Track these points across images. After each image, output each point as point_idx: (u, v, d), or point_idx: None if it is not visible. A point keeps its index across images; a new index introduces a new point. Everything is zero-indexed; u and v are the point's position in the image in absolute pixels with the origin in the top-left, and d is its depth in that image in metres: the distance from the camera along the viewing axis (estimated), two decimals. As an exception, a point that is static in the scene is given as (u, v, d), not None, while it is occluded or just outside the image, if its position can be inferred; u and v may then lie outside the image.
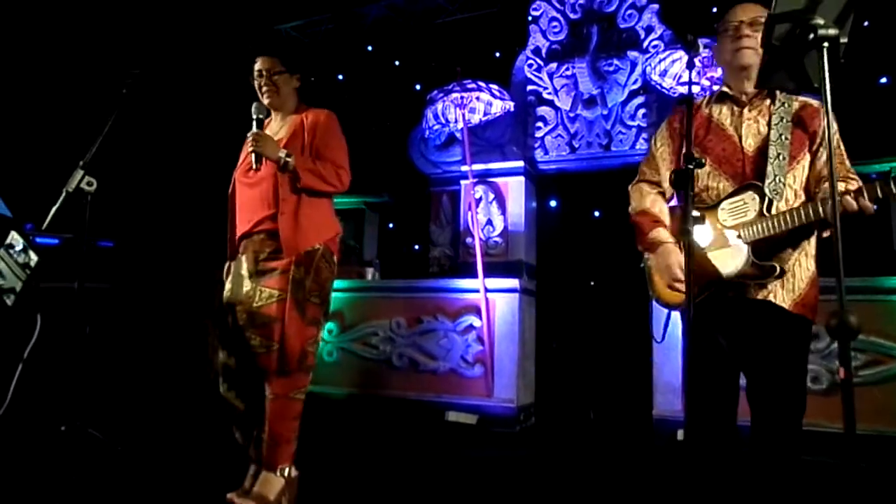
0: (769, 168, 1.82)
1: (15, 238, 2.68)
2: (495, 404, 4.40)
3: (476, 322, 4.54)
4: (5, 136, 4.86)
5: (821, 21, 1.37)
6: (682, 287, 1.81)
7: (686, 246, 1.47)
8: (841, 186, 1.80)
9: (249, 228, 2.40)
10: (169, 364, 4.91)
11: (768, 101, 1.94)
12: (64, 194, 2.17)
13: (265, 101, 2.47)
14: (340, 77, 6.61)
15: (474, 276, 4.57)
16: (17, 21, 5.15)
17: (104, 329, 4.04)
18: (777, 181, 1.81)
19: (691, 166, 1.50)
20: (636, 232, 2.08)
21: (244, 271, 2.38)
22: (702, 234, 1.88)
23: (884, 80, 4.48)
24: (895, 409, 3.42)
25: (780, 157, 1.83)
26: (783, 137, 1.86)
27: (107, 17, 5.48)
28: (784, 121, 1.88)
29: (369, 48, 6.42)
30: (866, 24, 4.41)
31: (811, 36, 1.38)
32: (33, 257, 2.64)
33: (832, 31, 1.36)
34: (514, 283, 4.54)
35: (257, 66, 2.48)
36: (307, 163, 2.35)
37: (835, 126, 1.89)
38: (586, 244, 5.37)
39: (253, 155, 2.29)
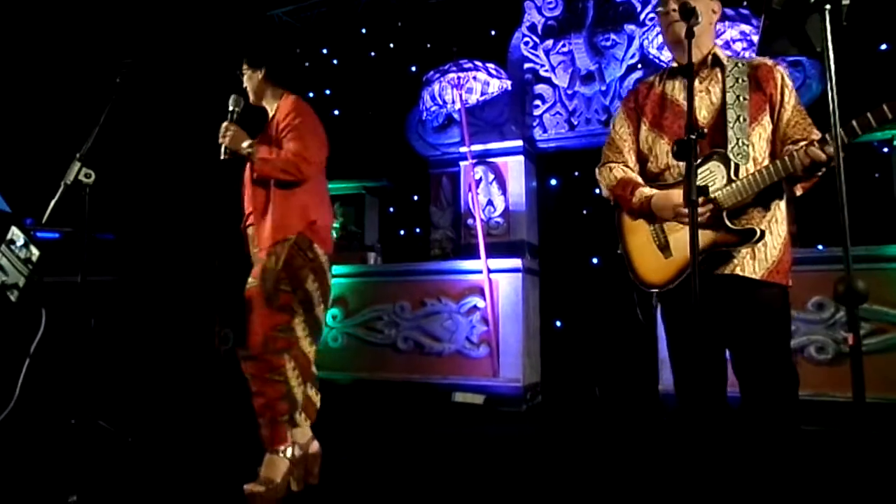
0: (730, 133, 1.80)
1: (16, 233, 2.67)
2: (501, 384, 4.42)
3: (480, 303, 4.54)
4: (1, 130, 4.83)
5: (822, -17, 1.35)
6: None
7: (691, 218, 1.45)
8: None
9: (243, 223, 2.59)
10: (174, 354, 4.92)
11: (717, 69, 1.93)
12: (62, 187, 2.16)
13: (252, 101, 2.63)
14: (335, 61, 6.55)
15: (476, 257, 4.57)
16: (12, 13, 5.10)
17: (109, 321, 4.05)
18: (740, 144, 1.79)
19: (693, 136, 1.48)
20: (621, 203, 2.02)
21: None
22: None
23: (884, 46, 4.43)
24: (901, 376, 3.42)
25: (741, 119, 1.81)
26: (741, 98, 1.83)
27: (100, 7, 5.42)
28: (740, 81, 1.86)
29: (363, 31, 6.35)
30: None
31: (812, -1, 1.35)
32: (35, 252, 2.63)
33: (834, -6, 1.34)
34: (516, 262, 4.53)
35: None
36: (263, 152, 2.41)
37: (790, 84, 1.88)
38: (588, 221, 5.36)
39: (222, 146, 2.40)
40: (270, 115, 2.60)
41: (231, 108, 2.47)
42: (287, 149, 2.41)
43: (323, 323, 2.58)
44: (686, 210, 1.68)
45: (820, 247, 4.06)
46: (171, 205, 5.46)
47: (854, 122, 1.55)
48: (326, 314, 2.72)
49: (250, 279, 2.44)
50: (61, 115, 4.79)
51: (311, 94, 6.40)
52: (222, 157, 2.40)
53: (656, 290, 1.96)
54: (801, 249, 3.84)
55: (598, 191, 2.20)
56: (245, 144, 2.39)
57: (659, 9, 1.95)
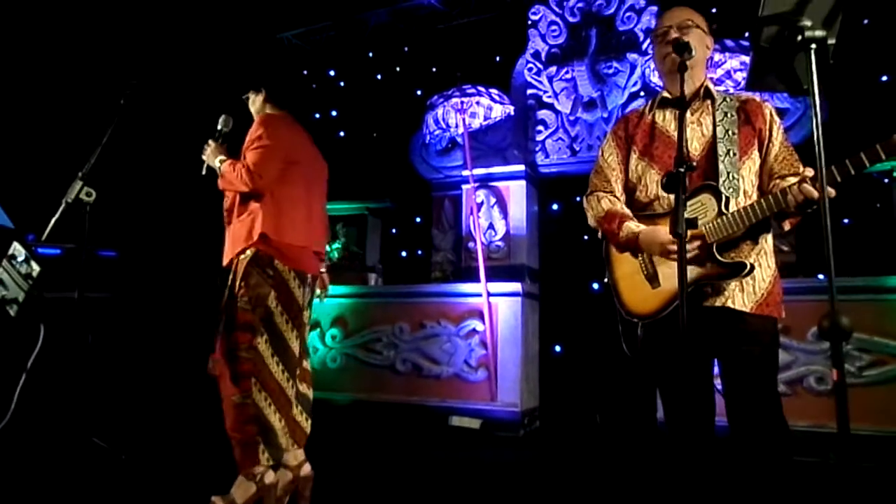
0: (721, 166, 1.81)
1: (17, 249, 2.70)
2: (499, 408, 4.40)
3: (479, 326, 4.54)
4: (6, 147, 4.90)
5: (808, 23, 1.38)
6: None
7: (679, 251, 1.46)
8: (794, 181, 1.79)
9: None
10: (171, 372, 4.93)
11: (708, 102, 1.95)
12: (63, 205, 2.19)
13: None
14: (342, 84, 6.64)
15: (477, 280, 4.57)
16: (17, 32, 5.20)
17: (106, 338, 4.07)
18: (731, 178, 1.80)
19: (682, 169, 1.50)
20: (608, 236, 2.03)
21: None
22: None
23: (885, 77, 4.46)
24: (901, 409, 3.39)
25: (731, 154, 1.82)
26: (730, 133, 1.85)
27: (106, 27, 5.52)
28: (729, 116, 1.88)
29: (370, 54, 6.45)
30: (866, 21, 4.40)
31: (799, 38, 1.38)
32: (35, 268, 2.66)
33: (819, 33, 1.37)
34: (516, 286, 4.54)
35: None
36: (226, 167, 2.48)
37: (778, 120, 1.90)
38: (588, 247, 5.36)
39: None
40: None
41: (219, 128, 2.59)
42: (241, 163, 2.45)
43: (296, 344, 2.48)
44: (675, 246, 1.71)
45: (821, 276, 4.05)
46: (174, 223, 5.51)
47: (848, 162, 1.57)
48: (307, 334, 2.66)
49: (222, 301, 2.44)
50: (65, 134, 4.86)
51: (317, 115, 6.48)
52: (203, 173, 2.51)
53: (643, 321, 1.95)
54: (801, 279, 3.83)
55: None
56: (217, 161, 2.48)
57: (659, 32, 1.97)
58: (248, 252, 2.39)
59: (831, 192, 1.59)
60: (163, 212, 5.52)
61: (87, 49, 5.40)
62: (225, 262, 2.42)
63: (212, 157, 2.50)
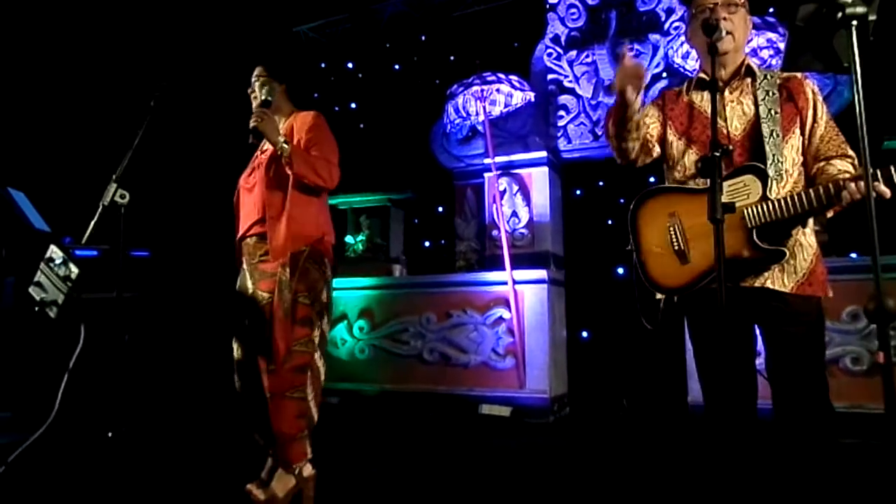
0: (767, 148, 1.77)
1: (55, 252, 2.75)
2: (528, 395, 4.41)
3: (505, 314, 4.54)
4: (41, 153, 5.00)
5: (848, -1, 1.34)
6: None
7: (716, 234, 1.44)
8: (841, 165, 1.77)
9: (244, 232, 2.49)
10: (205, 367, 5.01)
11: (749, 80, 1.90)
12: (100, 208, 2.23)
13: (254, 103, 2.54)
14: (360, 76, 6.64)
15: (502, 268, 4.58)
16: (50, 38, 5.28)
17: (144, 337, 4.14)
18: (777, 161, 1.76)
19: (717, 153, 1.48)
20: (613, 111, 1.94)
21: (246, 274, 2.48)
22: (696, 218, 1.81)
23: None
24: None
25: (774, 134, 1.78)
26: (773, 112, 1.81)
27: (132, 30, 5.58)
28: (770, 94, 1.83)
29: (387, 45, 6.43)
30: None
31: (839, 15, 1.35)
32: (73, 270, 2.71)
33: (860, 9, 1.33)
34: (541, 273, 4.53)
35: (252, 79, 2.59)
36: (301, 151, 2.36)
37: (821, 98, 1.86)
38: (613, 231, 5.32)
39: (252, 130, 2.30)
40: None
41: (267, 97, 2.42)
42: (319, 154, 2.39)
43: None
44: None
45: (854, 255, 3.98)
46: (205, 222, 5.58)
47: (893, 172, 1.54)
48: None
49: (262, 292, 2.37)
50: (98, 138, 4.93)
51: (336, 108, 6.49)
52: (250, 141, 2.32)
53: (669, 294, 1.92)
54: (834, 259, 3.77)
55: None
56: (282, 138, 2.32)
57: (705, 8, 1.88)
58: (306, 248, 2.39)
59: (886, 192, 1.56)
60: (193, 211, 5.59)
61: (117, 52, 5.47)
62: (279, 255, 2.34)
63: (273, 131, 2.31)
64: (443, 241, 5.95)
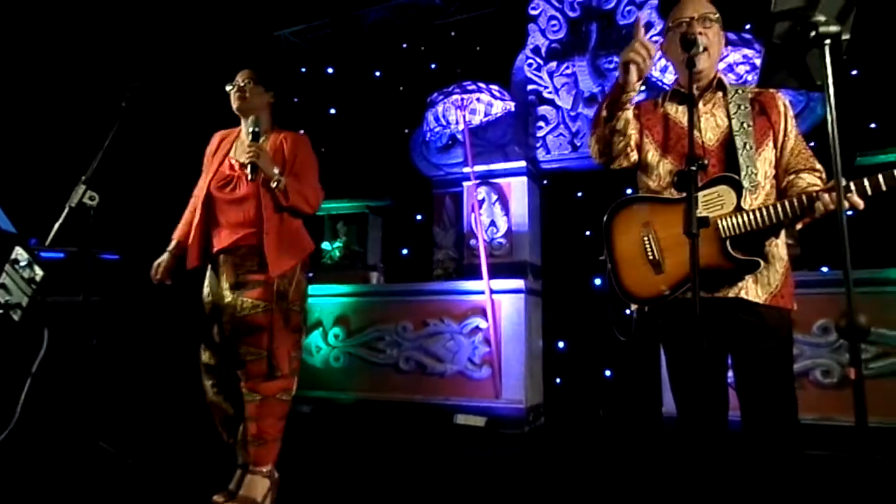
0: (741, 160, 1.80)
1: (20, 253, 2.69)
2: (504, 405, 4.39)
3: (482, 324, 4.53)
4: (7, 152, 4.87)
5: (822, 18, 1.36)
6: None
7: (692, 249, 1.44)
8: (809, 178, 1.81)
9: (231, 243, 2.47)
10: (175, 374, 4.92)
11: (720, 93, 1.93)
12: (66, 209, 2.18)
13: (234, 106, 2.56)
14: (340, 81, 6.61)
15: (479, 277, 4.57)
16: (17, 35, 5.16)
17: (110, 341, 4.05)
18: (751, 172, 1.79)
19: (693, 168, 1.48)
20: (605, 107, 1.92)
21: (224, 283, 2.49)
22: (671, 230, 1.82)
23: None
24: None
25: (748, 147, 1.81)
26: (745, 125, 1.84)
27: (105, 29, 5.49)
28: (742, 108, 1.86)
29: (368, 52, 6.42)
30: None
31: (812, 34, 1.36)
32: (38, 272, 2.64)
33: (833, 29, 1.35)
34: (519, 283, 4.53)
35: (236, 77, 2.59)
36: (293, 183, 2.46)
37: (791, 113, 1.89)
38: (591, 242, 5.35)
39: (250, 166, 2.36)
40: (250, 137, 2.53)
41: (252, 129, 2.45)
42: (307, 181, 2.53)
43: None
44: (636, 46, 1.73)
45: (825, 269, 4.05)
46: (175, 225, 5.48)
47: (866, 184, 1.58)
48: None
49: (252, 301, 2.40)
50: (67, 137, 4.83)
51: (316, 113, 6.45)
52: (250, 179, 2.37)
53: (642, 304, 1.92)
54: (806, 272, 3.83)
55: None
56: (276, 171, 2.40)
57: (681, 23, 1.89)
58: (300, 260, 2.55)
59: (860, 203, 1.59)
60: (167, 214, 5.49)
61: (88, 51, 5.37)
62: (277, 270, 2.42)
63: (270, 165, 2.39)
64: (421, 250, 5.93)
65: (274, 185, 2.38)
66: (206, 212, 2.52)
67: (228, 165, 2.55)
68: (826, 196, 1.62)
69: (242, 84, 2.55)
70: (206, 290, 2.58)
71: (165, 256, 2.61)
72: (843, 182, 1.43)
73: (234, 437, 2.56)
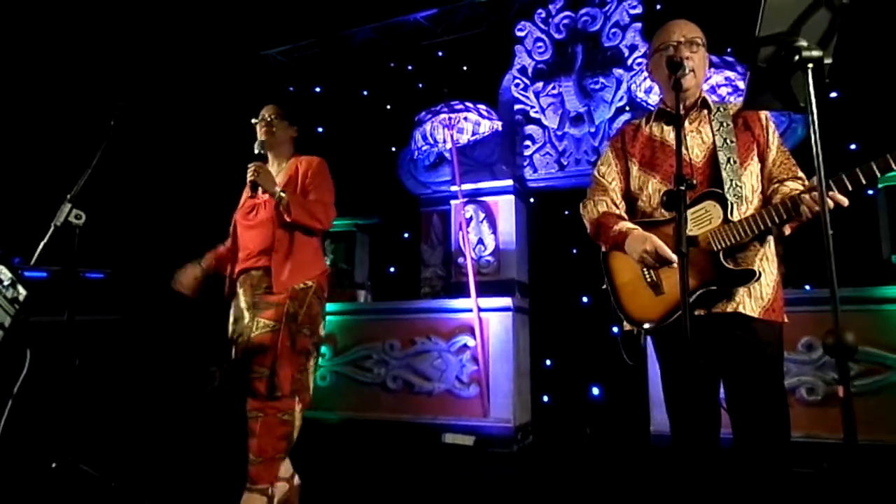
0: (724, 174, 1.84)
1: (3, 272, 2.64)
2: (492, 424, 4.37)
3: (470, 342, 4.52)
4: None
5: (804, 43, 1.40)
6: (674, 259, 1.75)
7: (681, 267, 1.46)
8: (793, 185, 1.84)
9: (248, 265, 2.59)
10: (161, 395, 4.84)
11: (705, 111, 1.99)
12: (52, 228, 2.16)
13: (261, 139, 2.68)
14: (328, 100, 6.63)
15: (467, 295, 4.56)
16: (3, 53, 5.13)
17: (95, 361, 3.99)
18: (734, 185, 1.83)
19: (682, 187, 1.51)
20: (601, 232, 2.02)
21: (243, 304, 2.57)
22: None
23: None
24: (891, 418, 3.42)
25: (731, 161, 1.85)
26: (728, 141, 1.88)
27: (93, 47, 5.47)
28: (725, 125, 1.91)
29: (356, 71, 6.45)
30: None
31: (796, 57, 1.40)
32: (22, 291, 2.60)
33: (816, 53, 1.39)
34: (507, 301, 4.53)
35: (262, 112, 2.74)
36: (298, 199, 2.55)
37: (773, 126, 1.94)
38: (578, 260, 5.38)
39: (251, 184, 2.51)
40: (275, 168, 2.73)
41: (258, 151, 2.61)
42: (314, 199, 2.60)
43: None
44: (660, 247, 1.78)
45: (808, 287, 4.10)
46: (161, 245, 5.44)
47: (845, 179, 1.61)
48: None
49: (265, 321, 2.47)
50: (53, 155, 4.79)
51: (303, 132, 6.45)
52: (251, 195, 2.53)
53: (646, 328, 1.94)
54: (790, 290, 3.87)
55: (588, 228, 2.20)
56: (278, 187, 2.52)
57: (668, 46, 1.94)
58: (311, 283, 2.57)
59: (844, 200, 1.62)
60: (152, 232, 5.45)
61: (75, 70, 5.35)
62: (282, 288, 2.49)
63: (270, 183, 2.51)
64: (408, 268, 5.92)
65: (276, 200, 2.49)
66: (234, 241, 2.68)
67: (249, 196, 2.71)
68: (807, 196, 1.66)
69: (270, 119, 2.69)
70: (231, 319, 2.64)
71: (193, 266, 2.73)
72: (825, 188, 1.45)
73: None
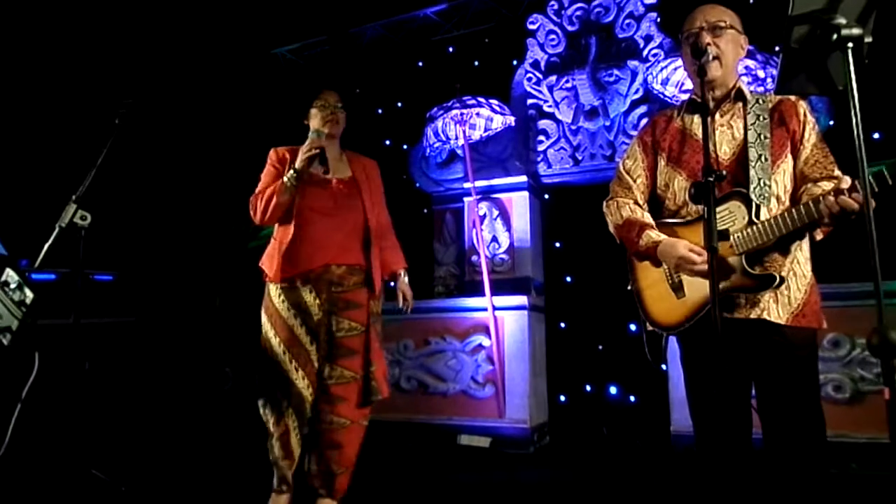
0: (752, 172, 1.73)
1: (10, 275, 2.61)
2: (508, 425, 4.29)
3: (485, 341, 4.44)
4: None
5: (843, 20, 1.30)
6: (704, 267, 1.68)
7: (710, 263, 1.38)
8: (826, 186, 1.72)
9: (329, 261, 2.43)
10: (173, 396, 4.82)
11: (740, 104, 1.87)
12: (57, 230, 2.11)
13: (327, 130, 2.57)
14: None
15: (481, 294, 4.49)
16: (8, 52, 5.13)
17: (104, 364, 3.96)
18: (762, 185, 1.72)
19: (711, 179, 1.42)
20: (627, 245, 1.98)
21: (312, 303, 2.42)
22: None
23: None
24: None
25: (762, 159, 1.74)
26: (762, 137, 1.77)
27: (99, 45, 5.45)
28: (761, 119, 1.80)
29: (366, 68, 6.39)
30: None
31: (834, 37, 1.30)
32: (29, 294, 2.57)
33: (856, 31, 1.30)
34: (522, 300, 4.45)
35: (322, 98, 2.62)
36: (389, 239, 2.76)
37: (812, 120, 1.82)
38: (594, 257, 5.28)
39: (307, 160, 2.37)
40: (334, 156, 2.62)
41: (317, 136, 2.58)
42: (387, 220, 2.78)
43: None
44: (693, 259, 1.69)
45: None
46: (171, 245, 5.41)
47: (885, 171, 1.50)
48: None
49: (349, 322, 2.42)
50: (58, 156, 4.78)
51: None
52: (322, 171, 2.48)
53: (669, 332, 1.89)
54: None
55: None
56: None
57: (690, 35, 1.87)
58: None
59: (855, 206, 1.52)
60: (161, 233, 5.43)
61: (80, 68, 5.33)
62: (378, 287, 2.52)
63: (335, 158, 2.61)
64: (421, 266, 5.85)
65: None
66: (300, 228, 2.46)
67: (330, 182, 2.55)
68: (830, 198, 1.55)
69: (336, 105, 2.61)
70: (291, 311, 2.43)
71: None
72: (850, 182, 1.36)
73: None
